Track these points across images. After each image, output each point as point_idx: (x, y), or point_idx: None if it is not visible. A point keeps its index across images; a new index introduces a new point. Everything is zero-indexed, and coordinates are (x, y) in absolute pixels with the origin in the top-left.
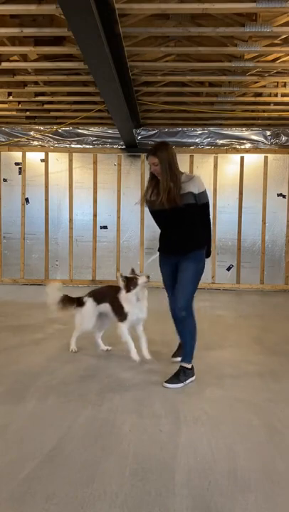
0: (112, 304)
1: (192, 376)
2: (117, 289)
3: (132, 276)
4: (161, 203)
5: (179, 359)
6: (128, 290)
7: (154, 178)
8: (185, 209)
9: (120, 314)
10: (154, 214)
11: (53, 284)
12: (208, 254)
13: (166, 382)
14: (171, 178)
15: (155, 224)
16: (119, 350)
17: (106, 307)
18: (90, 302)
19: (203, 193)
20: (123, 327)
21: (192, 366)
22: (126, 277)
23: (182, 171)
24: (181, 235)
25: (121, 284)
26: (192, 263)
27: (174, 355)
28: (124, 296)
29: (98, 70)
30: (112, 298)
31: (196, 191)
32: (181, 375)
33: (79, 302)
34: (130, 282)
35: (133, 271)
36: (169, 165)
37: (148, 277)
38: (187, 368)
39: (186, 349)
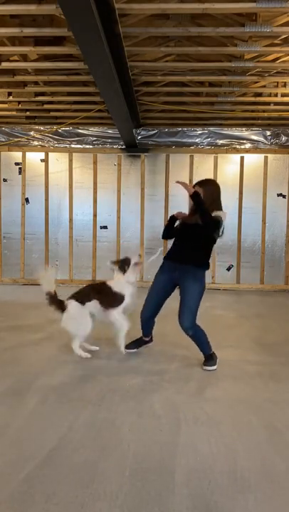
0: (100, 297)
1: (216, 358)
2: (101, 284)
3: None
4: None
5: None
6: (124, 271)
7: None
8: (195, 228)
9: (114, 300)
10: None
11: (47, 272)
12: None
13: (205, 365)
14: None
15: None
16: (119, 350)
17: (94, 304)
18: (74, 304)
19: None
20: (117, 312)
21: (213, 352)
22: (120, 260)
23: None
24: (186, 249)
25: (115, 268)
26: (194, 283)
27: (128, 347)
28: (118, 282)
29: (98, 70)
30: (98, 292)
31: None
32: (213, 359)
33: (62, 306)
34: (124, 262)
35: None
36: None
37: (140, 256)
38: (212, 354)
39: (203, 347)
